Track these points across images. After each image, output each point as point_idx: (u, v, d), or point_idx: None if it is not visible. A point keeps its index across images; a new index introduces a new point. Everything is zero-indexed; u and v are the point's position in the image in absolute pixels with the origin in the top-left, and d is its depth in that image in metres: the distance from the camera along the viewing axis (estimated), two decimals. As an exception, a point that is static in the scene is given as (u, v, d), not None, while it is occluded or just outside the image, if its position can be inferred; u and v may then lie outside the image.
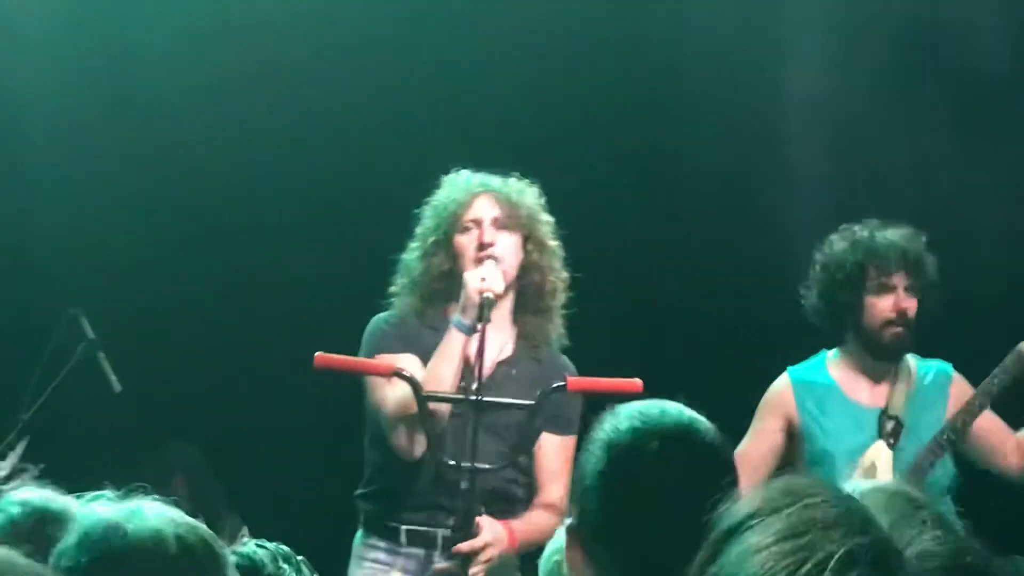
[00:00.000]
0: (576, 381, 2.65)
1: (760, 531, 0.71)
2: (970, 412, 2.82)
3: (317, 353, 2.57)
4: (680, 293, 3.99)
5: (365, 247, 3.46)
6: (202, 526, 1.44)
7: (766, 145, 4.08)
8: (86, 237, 4.17)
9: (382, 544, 2.74)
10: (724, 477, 1.41)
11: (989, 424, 2.88)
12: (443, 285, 2.77)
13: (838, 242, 2.91)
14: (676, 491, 1.40)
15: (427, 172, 2.97)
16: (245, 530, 3.53)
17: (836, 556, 0.69)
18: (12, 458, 3.23)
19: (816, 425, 2.90)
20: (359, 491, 2.80)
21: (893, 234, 2.89)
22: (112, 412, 3.52)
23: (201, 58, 4.36)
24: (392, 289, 2.83)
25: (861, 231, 2.89)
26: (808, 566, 0.69)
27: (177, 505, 1.59)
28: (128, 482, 1.40)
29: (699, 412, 1.43)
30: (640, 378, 2.54)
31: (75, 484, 1.64)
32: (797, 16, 4.03)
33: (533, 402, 2.62)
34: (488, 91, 4.27)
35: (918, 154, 3.93)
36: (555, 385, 2.61)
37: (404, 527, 2.70)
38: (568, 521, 1.51)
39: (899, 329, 2.83)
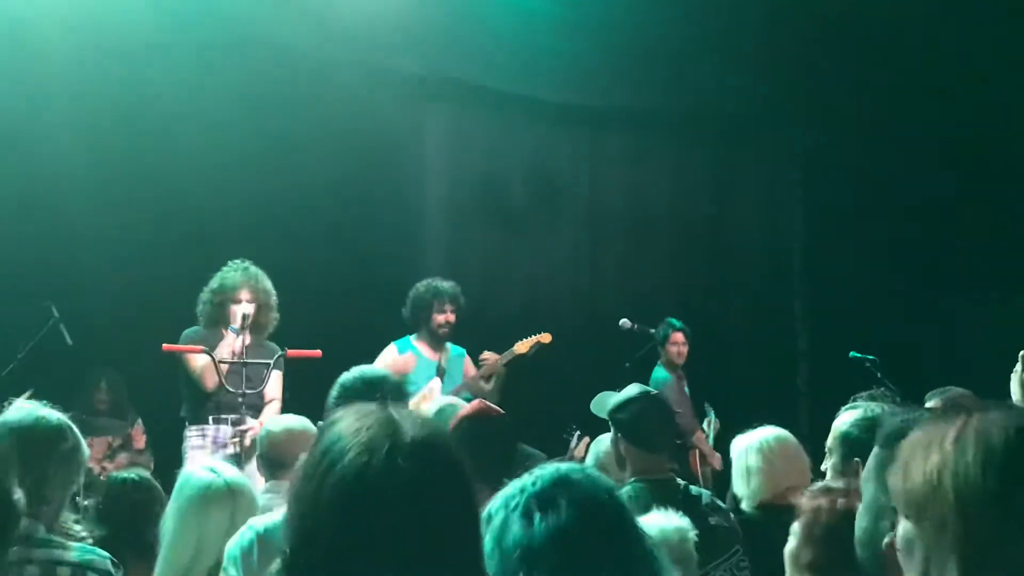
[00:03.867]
0: (290, 352, 4.86)
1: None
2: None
3: (164, 344, 4.85)
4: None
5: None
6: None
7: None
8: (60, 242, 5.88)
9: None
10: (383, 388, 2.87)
11: None
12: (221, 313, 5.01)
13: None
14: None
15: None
16: (139, 420, 5.95)
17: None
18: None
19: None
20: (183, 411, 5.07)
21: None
22: (64, 357, 5.67)
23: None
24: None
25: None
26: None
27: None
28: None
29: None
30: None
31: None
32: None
33: (270, 360, 4.85)
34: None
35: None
36: (279, 354, 4.84)
37: (210, 418, 4.93)
38: None
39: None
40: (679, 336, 6.78)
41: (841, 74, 7.75)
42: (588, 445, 5.71)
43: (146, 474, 3.43)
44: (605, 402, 3.66)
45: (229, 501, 2.81)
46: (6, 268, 5.85)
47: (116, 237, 5.99)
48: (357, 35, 6.70)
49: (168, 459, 4.95)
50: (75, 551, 2.37)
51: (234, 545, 2.52)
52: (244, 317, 4.92)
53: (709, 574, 3.14)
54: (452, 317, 5.69)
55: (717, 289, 8.40)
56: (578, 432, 5.81)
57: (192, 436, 5.02)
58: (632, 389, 3.60)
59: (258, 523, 2.54)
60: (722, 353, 7.84)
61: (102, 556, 2.40)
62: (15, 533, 2.05)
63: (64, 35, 5.89)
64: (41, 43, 5.88)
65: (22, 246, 5.95)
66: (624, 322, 6.80)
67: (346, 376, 2.77)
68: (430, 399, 5.26)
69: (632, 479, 3.41)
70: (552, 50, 7.42)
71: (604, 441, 3.97)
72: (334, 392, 2.71)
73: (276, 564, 1.37)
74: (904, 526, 1.24)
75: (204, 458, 4.63)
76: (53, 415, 2.50)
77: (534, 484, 1.62)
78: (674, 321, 6.84)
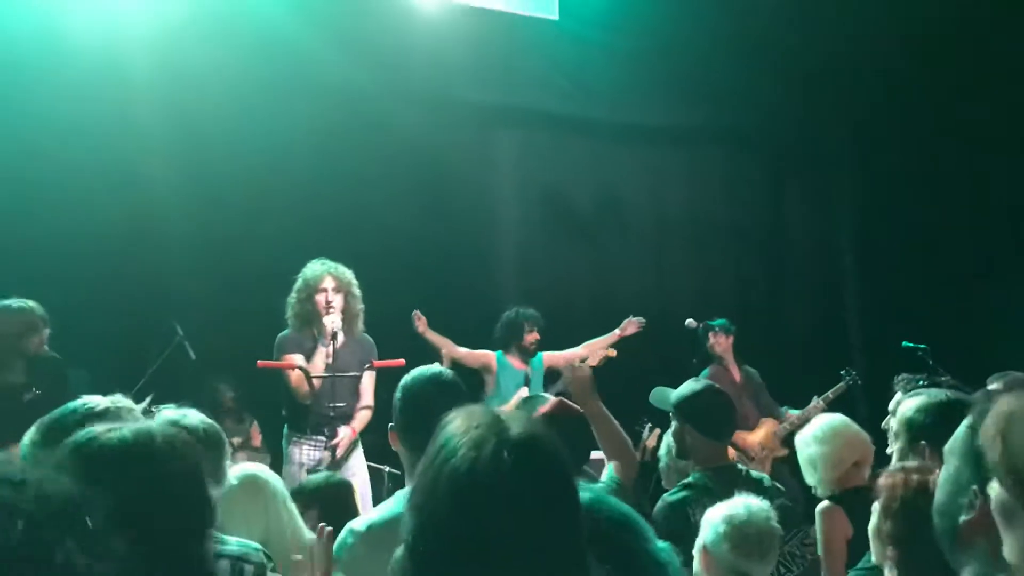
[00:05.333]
0: (376, 363, 5.21)
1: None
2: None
3: (258, 361, 5.10)
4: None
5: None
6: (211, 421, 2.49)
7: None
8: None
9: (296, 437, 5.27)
10: (455, 391, 2.68)
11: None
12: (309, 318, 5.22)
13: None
14: (432, 400, 2.48)
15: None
16: (255, 421, 6.54)
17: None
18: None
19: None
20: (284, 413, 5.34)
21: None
22: (191, 370, 6.17)
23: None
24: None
25: None
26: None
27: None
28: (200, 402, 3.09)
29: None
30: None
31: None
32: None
33: (357, 373, 5.19)
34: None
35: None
36: (367, 364, 5.20)
37: (308, 429, 5.19)
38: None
39: None
40: (712, 332, 7.13)
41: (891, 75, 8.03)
42: (659, 436, 6.17)
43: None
44: (665, 395, 3.81)
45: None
46: (130, 292, 6.43)
47: (217, 261, 6.62)
48: (421, 73, 7.26)
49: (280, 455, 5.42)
50: (233, 544, 2.42)
51: (336, 546, 2.56)
52: (334, 334, 5.10)
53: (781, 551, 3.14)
54: (538, 336, 6.61)
55: (773, 288, 8.83)
56: (649, 424, 6.24)
57: (291, 441, 5.33)
58: (694, 383, 3.72)
59: (356, 523, 2.63)
60: (780, 348, 8.19)
61: (255, 548, 2.45)
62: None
63: (156, 74, 6.45)
64: (137, 80, 6.42)
65: (139, 269, 6.55)
66: (690, 322, 7.21)
67: (407, 378, 2.81)
68: None
69: (697, 468, 3.55)
70: (606, 74, 7.89)
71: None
72: (398, 394, 2.77)
73: (399, 551, 1.44)
74: (1001, 494, 1.27)
75: (299, 469, 5.12)
76: (207, 420, 2.63)
77: None
78: (712, 322, 7.19)
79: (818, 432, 3.84)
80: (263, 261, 6.45)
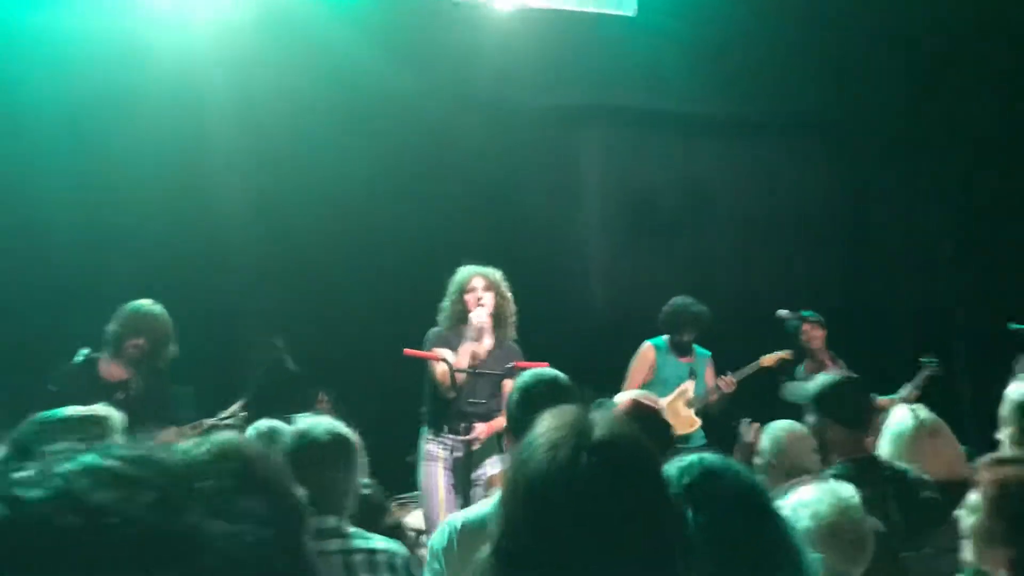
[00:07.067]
0: (518, 364, 4.98)
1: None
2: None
3: (405, 349, 4.95)
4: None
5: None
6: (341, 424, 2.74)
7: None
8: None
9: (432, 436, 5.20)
10: (569, 394, 2.69)
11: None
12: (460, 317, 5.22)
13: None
14: (546, 402, 2.13)
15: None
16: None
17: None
18: (236, 406, 5.21)
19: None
20: (423, 409, 5.26)
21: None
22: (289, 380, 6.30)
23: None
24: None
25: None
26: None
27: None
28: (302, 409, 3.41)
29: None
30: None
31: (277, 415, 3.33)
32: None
33: (500, 372, 5.08)
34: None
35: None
36: (509, 365, 5.04)
37: (446, 426, 5.14)
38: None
39: None
40: (806, 326, 7.02)
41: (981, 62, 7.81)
42: (758, 430, 6.09)
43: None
44: (798, 390, 3.82)
45: None
46: (228, 309, 6.68)
47: (306, 274, 6.87)
48: (490, 80, 7.31)
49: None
50: (380, 541, 2.55)
51: (435, 539, 2.65)
52: (480, 331, 5.13)
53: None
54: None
55: (867, 278, 8.60)
56: (748, 419, 6.15)
57: (428, 439, 5.31)
58: (829, 376, 3.76)
59: (456, 518, 2.71)
60: (881, 337, 8.00)
61: (399, 543, 2.57)
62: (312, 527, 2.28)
63: (227, 90, 6.64)
64: (211, 96, 6.64)
65: (233, 287, 6.82)
66: (782, 312, 7.10)
67: (523, 378, 2.87)
68: (685, 398, 6.24)
69: (839, 461, 3.52)
70: (684, 66, 7.81)
71: (778, 426, 4.16)
72: (514, 395, 2.82)
73: (487, 547, 1.46)
74: None
75: (436, 465, 5.17)
76: (335, 424, 2.79)
77: (682, 477, 1.65)
78: (804, 313, 7.06)
79: (895, 434, 3.78)
80: (349, 273, 6.65)
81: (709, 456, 1.71)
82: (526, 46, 7.26)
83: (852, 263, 8.74)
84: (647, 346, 6.39)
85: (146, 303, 5.00)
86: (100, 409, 2.70)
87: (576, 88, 7.91)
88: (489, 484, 5.01)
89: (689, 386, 6.32)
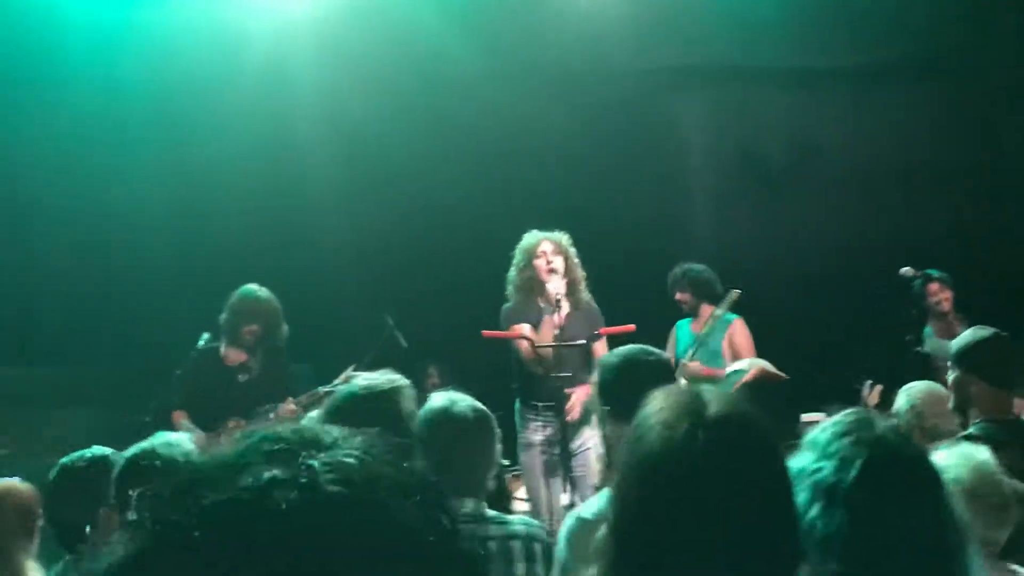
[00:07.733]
0: (603, 330, 5.15)
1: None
2: None
3: (483, 331, 5.16)
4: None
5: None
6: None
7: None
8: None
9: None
10: (665, 369, 3.05)
11: None
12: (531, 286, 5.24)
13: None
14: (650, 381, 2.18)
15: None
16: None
17: None
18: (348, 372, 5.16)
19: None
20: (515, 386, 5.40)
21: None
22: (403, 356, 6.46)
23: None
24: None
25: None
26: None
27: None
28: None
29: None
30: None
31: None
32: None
33: (584, 341, 5.17)
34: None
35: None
36: (595, 332, 5.19)
37: (539, 403, 5.22)
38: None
39: None
40: (934, 287, 6.59)
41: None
42: (880, 392, 5.86)
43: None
44: (942, 345, 3.63)
45: None
46: (342, 290, 6.86)
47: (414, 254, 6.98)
48: (590, 47, 7.21)
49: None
50: (517, 524, 2.55)
51: (563, 529, 2.61)
52: (558, 300, 5.02)
53: None
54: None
55: (995, 235, 8.13)
56: (870, 381, 5.94)
57: (523, 415, 5.33)
58: (978, 330, 3.57)
59: (585, 511, 2.65)
60: (1005, 295, 7.60)
61: (539, 525, 2.59)
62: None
63: (318, 82, 6.79)
64: (301, 88, 6.80)
65: (347, 270, 6.99)
66: (906, 270, 6.72)
67: (614, 355, 2.90)
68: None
69: (980, 420, 3.42)
70: (780, 18, 7.54)
71: (916, 387, 4.02)
72: (612, 373, 2.83)
73: (604, 528, 1.46)
74: None
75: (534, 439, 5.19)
76: (474, 404, 2.74)
77: (843, 435, 1.62)
78: (930, 272, 6.68)
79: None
80: (450, 253, 6.75)
81: (878, 421, 1.66)
82: (617, 11, 7.16)
83: (981, 217, 8.26)
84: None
85: (253, 288, 5.16)
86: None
87: (671, 49, 7.72)
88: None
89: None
